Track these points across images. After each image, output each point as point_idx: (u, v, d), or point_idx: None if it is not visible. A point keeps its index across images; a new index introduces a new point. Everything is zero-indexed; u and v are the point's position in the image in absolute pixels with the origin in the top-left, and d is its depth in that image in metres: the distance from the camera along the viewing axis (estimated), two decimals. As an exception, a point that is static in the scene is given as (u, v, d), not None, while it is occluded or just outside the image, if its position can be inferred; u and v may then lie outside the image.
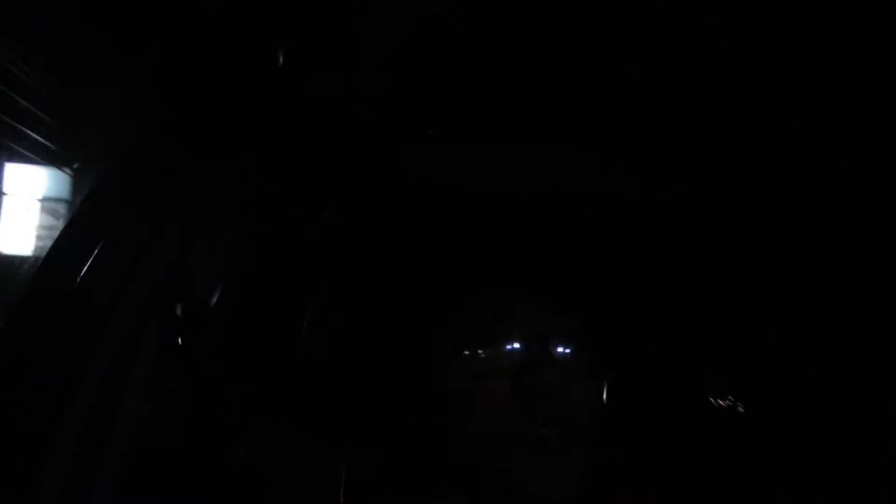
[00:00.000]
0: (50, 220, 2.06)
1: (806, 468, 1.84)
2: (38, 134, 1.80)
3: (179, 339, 1.68)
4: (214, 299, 1.76)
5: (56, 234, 1.50)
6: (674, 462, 1.92)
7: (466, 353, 1.85)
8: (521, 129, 1.81)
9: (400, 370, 1.86)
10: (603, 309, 2.03)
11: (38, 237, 2.08)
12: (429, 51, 1.57)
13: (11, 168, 2.09)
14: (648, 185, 1.94)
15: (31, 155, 1.90)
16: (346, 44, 1.56)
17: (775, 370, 1.99)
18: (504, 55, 1.56)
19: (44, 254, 1.40)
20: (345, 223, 1.94)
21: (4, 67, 1.64)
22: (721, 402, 2.03)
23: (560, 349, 1.98)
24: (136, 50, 1.47)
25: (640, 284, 2.06)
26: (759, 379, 2.02)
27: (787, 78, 1.60)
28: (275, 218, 1.87)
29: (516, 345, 1.95)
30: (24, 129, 1.78)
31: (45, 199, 2.08)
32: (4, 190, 2.11)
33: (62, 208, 2.03)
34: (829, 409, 1.85)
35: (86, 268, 1.44)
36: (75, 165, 1.93)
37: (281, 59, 1.56)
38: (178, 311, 1.66)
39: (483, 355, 1.88)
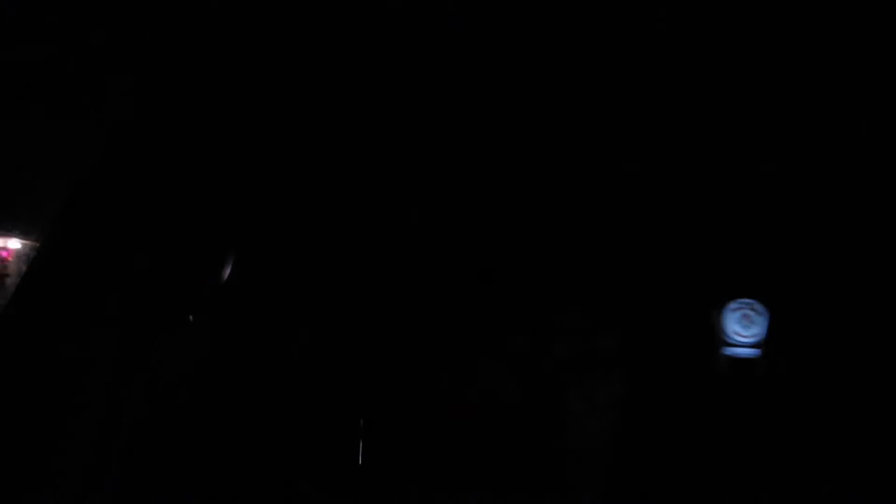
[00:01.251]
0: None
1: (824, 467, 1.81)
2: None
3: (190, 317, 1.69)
4: (223, 277, 1.77)
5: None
6: (687, 457, 1.90)
7: (474, 341, 1.84)
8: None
9: (406, 360, 1.87)
10: (619, 296, 2.00)
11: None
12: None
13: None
14: (665, 165, 1.91)
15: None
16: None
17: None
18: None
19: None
20: (350, 211, 1.94)
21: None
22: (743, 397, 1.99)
23: (573, 338, 1.97)
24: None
25: (661, 270, 2.03)
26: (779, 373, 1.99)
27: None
28: (278, 205, 1.87)
29: (527, 334, 1.94)
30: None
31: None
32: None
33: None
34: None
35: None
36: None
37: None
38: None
39: (492, 343, 1.87)
